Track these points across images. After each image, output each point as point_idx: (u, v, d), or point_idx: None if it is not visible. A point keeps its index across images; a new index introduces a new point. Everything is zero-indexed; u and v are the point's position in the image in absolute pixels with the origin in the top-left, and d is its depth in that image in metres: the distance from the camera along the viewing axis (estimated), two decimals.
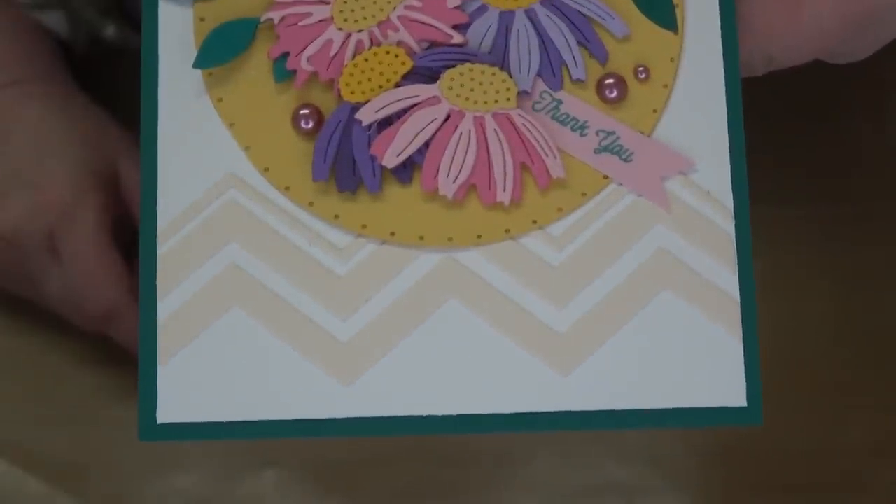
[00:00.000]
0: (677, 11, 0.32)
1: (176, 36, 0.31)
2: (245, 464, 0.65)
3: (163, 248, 0.30)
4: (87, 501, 0.65)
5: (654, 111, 0.32)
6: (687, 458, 0.65)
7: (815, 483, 0.65)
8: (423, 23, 0.31)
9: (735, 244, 0.31)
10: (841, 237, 0.69)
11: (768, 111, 0.72)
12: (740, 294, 0.31)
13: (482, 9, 0.32)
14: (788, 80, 0.72)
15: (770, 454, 0.65)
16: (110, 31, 0.68)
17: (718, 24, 0.32)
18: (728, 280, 0.31)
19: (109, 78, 0.69)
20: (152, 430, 0.30)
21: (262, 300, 0.30)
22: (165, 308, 0.30)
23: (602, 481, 0.65)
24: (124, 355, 0.66)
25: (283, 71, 0.31)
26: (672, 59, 0.32)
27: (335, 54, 0.31)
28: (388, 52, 0.31)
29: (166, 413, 0.29)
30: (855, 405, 0.66)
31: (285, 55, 0.31)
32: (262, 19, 0.31)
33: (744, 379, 0.30)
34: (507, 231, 0.31)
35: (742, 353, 0.30)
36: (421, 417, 0.29)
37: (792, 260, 0.68)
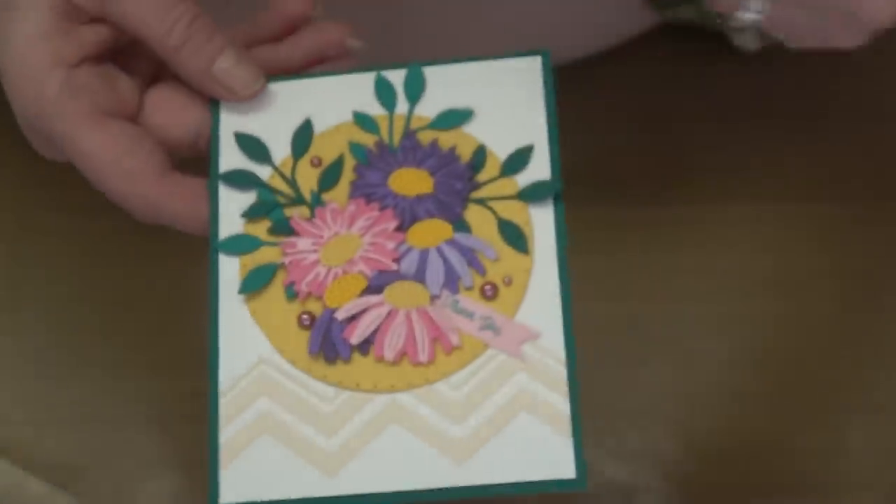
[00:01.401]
0: (529, 241, 0.52)
1: (228, 274, 0.52)
2: None
3: (222, 400, 0.51)
4: (87, 501, 0.65)
5: (516, 303, 0.51)
6: (687, 458, 0.66)
7: (816, 483, 0.65)
8: (373, 259, 0.52)
9: (566, 381, 0.49)
10: (841, 237, 0.69)
11: (768, 111, 0.72)
12: (570, 412, 0.49)
13: (409, 249, 0.52)
14: (788, 80, 0.72)
15: (770, 454, 0.66)
16: None
17: (555, 245, 0.52)
18: (562, 403, 0.49)
19: None
20: None
21: (282, 431, 0.50)
22: (224, 436, 0.50)
23: (602, 481, 0.65)
24: (125, 355, 0.66)
25: (292, 292, 0.52)
26: (526, 270, 0.51)
27: (322, 281, 0.52)
28: (353, 277, 0.51)
29: (226, 496, 0.50)
30: (855, 405, 0.66)
31: (293, 283, 0.52)
32: (278, 264, 0.52)
33: (573, 461, 0.48)
34: (427, 379, 0.50)
35: (572, 448, 0.48)
36: (374, 493, 0.49)
37: (792, 260, 0.68)
